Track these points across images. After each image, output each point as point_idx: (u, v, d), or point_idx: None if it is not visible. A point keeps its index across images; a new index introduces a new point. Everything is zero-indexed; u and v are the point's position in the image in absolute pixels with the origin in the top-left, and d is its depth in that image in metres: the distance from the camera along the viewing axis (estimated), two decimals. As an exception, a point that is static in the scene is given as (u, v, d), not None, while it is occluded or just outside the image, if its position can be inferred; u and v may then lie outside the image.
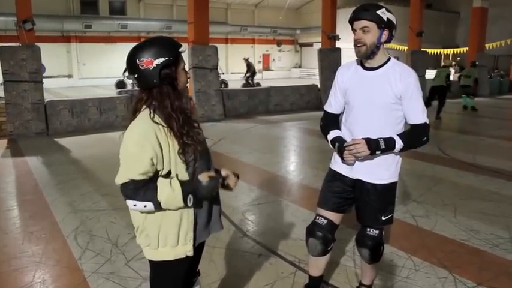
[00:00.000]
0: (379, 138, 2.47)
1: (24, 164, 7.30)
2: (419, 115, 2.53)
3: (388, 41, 2.51)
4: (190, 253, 1.98)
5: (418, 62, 17.82)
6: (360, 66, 2.63)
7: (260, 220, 4.80)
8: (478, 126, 12.40)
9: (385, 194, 2.66)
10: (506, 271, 3.54)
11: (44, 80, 10.34)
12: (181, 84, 1.96)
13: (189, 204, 1.88)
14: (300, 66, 37.23)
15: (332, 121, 2.79)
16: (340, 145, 2.61)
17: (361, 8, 2.47)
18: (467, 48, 22.35)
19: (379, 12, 2.42)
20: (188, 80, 2.04)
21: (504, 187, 5.88)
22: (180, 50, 1.94)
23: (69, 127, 10.36)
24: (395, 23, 2.49)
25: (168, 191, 1.84)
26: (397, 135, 2.52)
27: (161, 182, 1.86)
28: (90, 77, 25.98)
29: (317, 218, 2.80)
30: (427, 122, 2.56)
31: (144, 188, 1.84)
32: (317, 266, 2.92)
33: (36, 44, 10.02)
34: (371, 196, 2.64)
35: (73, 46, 26.69)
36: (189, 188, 1.88)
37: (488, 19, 21.04)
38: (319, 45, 15.77)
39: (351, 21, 2.51)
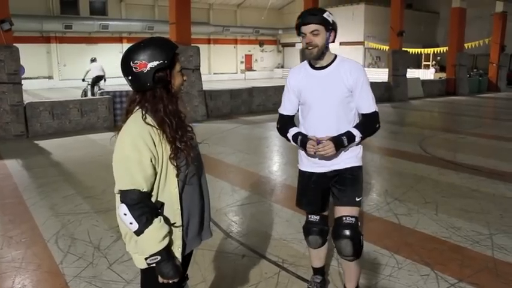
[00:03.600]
0: (342, 136, 2.63)
1: (3, 167, 7.17)
2: (370, 105, 2.72)
3: (333, 41, 2.66)
4: (178, 261, 1.96)
5: (399, 61, 18.03)
6: (309, 67, 2.76)
7: (243, 221, 4.79)
8: (458, 124, 12.59)
9: (353, 176, 2.79)
10: (486, 267, 3.59)
11: (23, 82, 10.17)
12: (175, 87, 1.92)
13: (149, 261, 1.85)
14: (282, 66, 37.33)
15: (288, 122, 2.91)
16: (303, 138, 2.73)
17: (308, 13, 2.65)
18: (447, 47, 22.69)
19: (325, 15, 2.59)
20: (184, 82, 2.00)
21: (484, 184, 5.98)
22: (177, 51, 1.91)
23: (50, 129, 10.21)
24: (337, 25, 2.67)
25: (158, 236, 1.81)
26: (354, 127, 2.69)
27: (159, 224, 1.82)
28: (71, 78, 25.58)
29: (309, 216, 2.96)
30: (377, 110, 2.74)
31: (144, 207, 1.80)
32: (319, 257, 3.08)
33: (14, 44, 9.84)
34: (347, 180, 2.77)
35: (53, 47, 26.34)
36: (168, 252, 1.86)
37: (467, 19, 21.39)
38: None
39: (299, 27, 2.63)
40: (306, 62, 2.79)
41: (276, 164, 7.64)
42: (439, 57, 28.33)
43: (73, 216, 4.81)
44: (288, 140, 2.87)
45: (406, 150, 8.18)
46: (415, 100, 18.30)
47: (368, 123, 2.73)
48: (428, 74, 25.96)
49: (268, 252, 3.87)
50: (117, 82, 23.11)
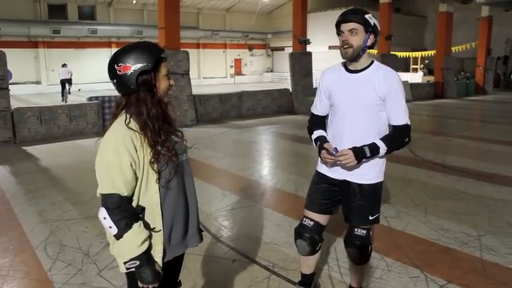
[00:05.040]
0: (364, 146, 2.53)
1: (-9, 173, 7.10)
2: (401, 117, 2.61)
3: (372, 46, 2.59)
4: (159, 267, 1.94)
5: (387, 64, 17.86)
6: (343, 69, 2.68)
7: (234, 225, 4.79)
8: (447, 127, 12.70)
9: (372, 193, 2.70)
10: (475, 268, 3.63)
11: (10, 87, 10.08)
12: (161, 91, 1.92)
13: (127, 266, 1.85)
14: (271, 71, 37.45)
15: (318, 122, 2.85)
16: (321, 144, 2.68)
17: (350, 12, 2.56)
18: (434, 51, 22.93)
19: (367, 16, 2.52)
20: (171, 87, 1.99)
21: (472, 186, 6.03)
22: (163, 55, 1.91)
23: (38, 135, 10.12)
24: (379, 29, 2.59)
25: (136, 240, 1.81)
26: (380, 139, 2.57)
27: (138, 228, 1.83)
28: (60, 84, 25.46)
29: (304, 219, 2.85)
30: (409, 123, 2.63)
31: (123, 212, 1.80)
32: (307, 264, 2.98)
33: (1, 49, 9.75)
34: (358, 196, 2.68)
35: (41, 51, 26.16)
36: (147, 257, 1.85)
37: (454, 23, 21.64)
38: (290, 50, 15.90)
39: (339, 24, 2.57)
40: (341, 63, 2.71)
41: (266, 168, 7.64)
42: (427, 61, 28.60)
43: (62, 223, 4.77)
44: (311, 140, 2.82)
45: (395, 153, 8.17)
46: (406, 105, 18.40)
47: (396, 136, 2.62)
48: (416, 77, 26.18)
49: (259, 256, 3.87)
50: (106, 87, 23.13)
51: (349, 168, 2.63)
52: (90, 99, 11.52)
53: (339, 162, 2.56)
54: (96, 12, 28.16)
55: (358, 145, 2.55)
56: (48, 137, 10.18)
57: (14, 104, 10.71)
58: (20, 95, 21.44)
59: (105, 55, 27.54)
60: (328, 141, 2.71)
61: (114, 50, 29.07)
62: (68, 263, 3.80)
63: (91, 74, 25.44)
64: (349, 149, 2.52)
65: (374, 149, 2.54)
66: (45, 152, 8.84)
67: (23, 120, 9.96)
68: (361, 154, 2.52)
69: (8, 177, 6.92)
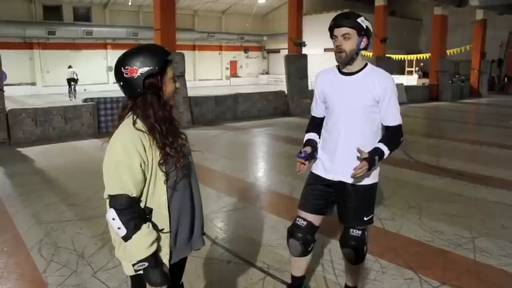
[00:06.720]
0: (374, 156, 2.54)
1: (-15, 175, 7.06)
2: (395, 117, 2.66)
3: (365, 48, 2.61)
4: (167, 268, 1.95)
5: (382, 67, 18.05)
6: (338, 72, 2.70)
7: (229, 227, 4.79)
8: (441, 130, 12.74)
9: (367, 194, 2.73)
10: (468, 270, 3.65)
11: (5, 88, 10.04)
12: (167, 94, 1.93)
13: (136, 267, 1.84)
14: (267, 73, 37.48)
15: (315, 124, 2.89)
16: (304, 145, 2.78)
17: (341, 16, 2.58)
18: (429, 54, 23.03)
19: (359, 20, 2.53)
20: (177, 89, 2.00)
21: (466, 188, 6.07)
22: (169, 58, 1.92)
23: (33, 136, 10.08)
24: (372, 30, 2.61)
25: (145, 241, 1.81)
26: (382, 143, 2.60)
27: (147, 229, 1.83)
28: (55, 85, 25.37)
29: (297, 219, 2.87)
30: (401, 123, 2.68)
31: (132, 213, 1.80)
32: (298, 266, 2.99)
33: (-4, 51, 9.72)
34: (353, 197, 2.70)
35: (36, 53, 26.08)
36: (156, 258, 1.85)
37: (448, 26, 21.76)
38: (286, 52, 15.92)
39: (331, 28, 2.59)
40: (335, 65, 2.73)
41: (261, 170, 7.65)
42: (422, 63, 28.72)
43: (57, 224, 4.76)
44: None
45: (390, 156, 8.24)
46: (399, 106, 18.46)
47: (394, 137, 2.66)
48: (411, 79, 26.28)
49: (254, 258, 3.88)
50: (101, 89, 23.11)
51: (345, 169, 2.64)
52: (85, 100, 11.49)
53: (359, 174, 2.52)
54: (91, 14, 28.09)
55: (353, 146, 2.57)
56: (43, 139, 10.14)
57: (9, 106, 10.66)
58: (15, 96, 21.34)
59: (100, 57, 27.57)
60: (312, 145, 2.77)
61: (110, 51, 29.08)
62: (63, 264, 3.79)
63: (86, 75, 25.40)
64: (364, 160, 2.50)
65: (380, 155, 2.57)
66: (40, 153, 8.81)
67: (17, 122, 9.92)
68: (373, 163, 2.54)
69: (2, 178, 6.89)
